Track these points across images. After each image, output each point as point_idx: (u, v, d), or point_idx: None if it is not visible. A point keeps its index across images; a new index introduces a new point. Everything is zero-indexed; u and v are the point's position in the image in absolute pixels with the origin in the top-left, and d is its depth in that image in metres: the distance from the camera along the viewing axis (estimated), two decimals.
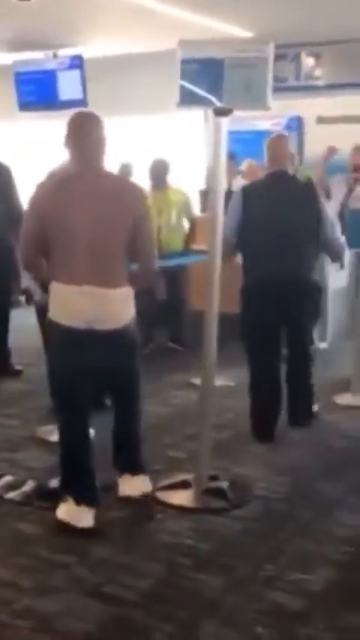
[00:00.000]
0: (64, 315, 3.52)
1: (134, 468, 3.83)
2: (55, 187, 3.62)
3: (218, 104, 3.61)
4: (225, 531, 3.61)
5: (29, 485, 3.97)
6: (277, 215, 4.57)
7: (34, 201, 3.59)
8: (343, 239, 4.92)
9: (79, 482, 3.59)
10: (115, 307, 3.52)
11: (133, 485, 3.80)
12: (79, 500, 3.53)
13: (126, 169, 7.88)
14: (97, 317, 3.46)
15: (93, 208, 3.47)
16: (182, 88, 3.65)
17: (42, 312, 5.16)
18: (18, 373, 6.18)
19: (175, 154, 7.57)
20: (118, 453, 3.86)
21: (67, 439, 3.69)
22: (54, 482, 3.91)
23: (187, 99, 3.66)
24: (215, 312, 3.85)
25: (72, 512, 3.53)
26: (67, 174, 3.71)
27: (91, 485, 3.61)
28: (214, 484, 3.93)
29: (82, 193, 3.50)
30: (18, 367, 6.25)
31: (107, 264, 3.49)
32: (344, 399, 5.59)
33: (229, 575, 3.21)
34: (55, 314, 3.56)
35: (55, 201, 3.51)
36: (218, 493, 3.88)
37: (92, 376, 3.62)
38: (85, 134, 3.57)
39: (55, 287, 3.54)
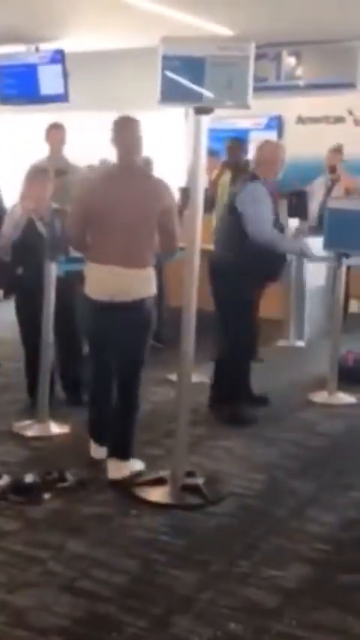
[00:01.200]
0: (94, 290, 4.05)
1: (112, 451, 4.09)
2: (97, 182, 4.22)
3: (206, 93, 3.60)
4: (200, 527, 3.63)
5: (4, 480, 3.96)
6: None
7: (81, 193, 4.19)
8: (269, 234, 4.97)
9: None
10: (135, 284, 3.98)
11: (109, 470, 4.07)
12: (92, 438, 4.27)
13: (105, 164, 7.84)
14: (118, 291, 3.95)
15: (127, 200, 3.96)
16: (164, 83, 3.64)
17: (22, 306, 5.18)
18: None
19: (155, 151, 7.57)
20: (109, 433, 4.19)
21: (92, 390, 4.32)
22: (29, 478, 3.91)
23: (169, 95, 3.66)
24: (193, 310, 3.86)
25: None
26: (107, 170, 4.40)
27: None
28: (190, 480, 3.95)
29: (119, 187, 4.01)
30: None
31: (135, 249, 3.97)
32: (320, 396, 5.63)
33: (203, 571, 3.22)
34: (88, 289, 4.08)
35: (96, 194, 4.05)
36: (194, 489, 3.89)
37: (113, 343, 4.08)
38: (124, 136, 4.06)
39: (91, 267, 4.07)
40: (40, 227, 5.02)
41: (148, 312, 4.04)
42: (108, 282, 3.99)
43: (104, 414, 4.20)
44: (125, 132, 4.07)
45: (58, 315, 4.85)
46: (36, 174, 5.39)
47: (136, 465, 4.14)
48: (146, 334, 4.10)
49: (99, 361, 4.24)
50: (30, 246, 5.00)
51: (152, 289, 4.05)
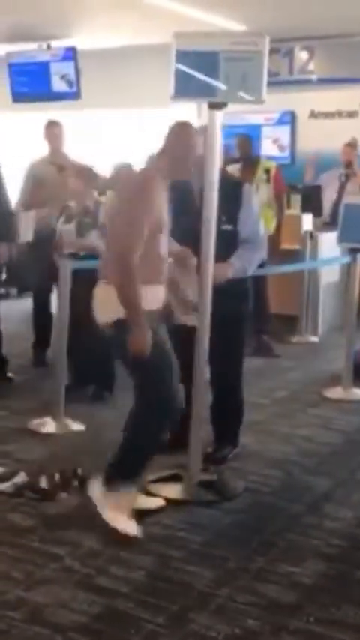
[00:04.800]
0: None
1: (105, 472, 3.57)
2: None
3: (221, 87, 3.58)
4: (216, 524, 3.62)
5: (20, 477, 3.97)
6: None
7: (151, 198, 3.45)
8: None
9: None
10: (97, 301, 3.52)
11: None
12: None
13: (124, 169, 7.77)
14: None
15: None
16: (177, 78, 3.62)
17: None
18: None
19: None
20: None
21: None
22: (44, 482, 3.91)
23: (182, 91, 3.65)
24: (208, 307, 3.84)
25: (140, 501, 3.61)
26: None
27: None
28: (205, 477, 3.95)
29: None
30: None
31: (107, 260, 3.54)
32: (335, 392, 5.61)
33: (220, 567, 3.22)
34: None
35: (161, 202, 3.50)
36: (210, 486, 3.89)
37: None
38: (172, 145, 3.56)
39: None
40: (55, 224, 5.12)
41: (116, 334, 3.43)
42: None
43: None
44: (174, 141, 3.58)
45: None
46: (79, 172, 5.46)
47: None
48: (124, 351, 3.42)
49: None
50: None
51: (114, 309, 3.38)
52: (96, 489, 3.52)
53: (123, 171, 6.81)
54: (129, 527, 3.41)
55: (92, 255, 4.64)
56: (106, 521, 3.43)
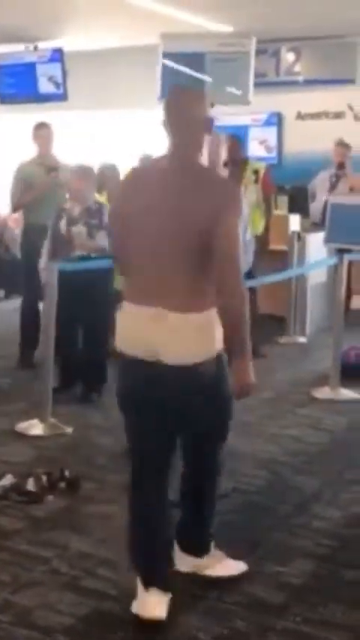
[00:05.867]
0: (126, 341, 2.84)
1: (195, 550, 3.12)
2: (133, 181, 2.95)
3: (208, 87, 3.59)
4: None
5: (8, 480, 3.96)
6: None
7: (117, 196, 3.09)
8: None
9: (144, 561, 2.94)
10: (185, 336, 2.73)
11: (191, 565, 3.12)
12: (146, 583, 2.88)
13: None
14: (161, 347, 2.73)
15: (162, 209, 2.74)
16: (164, 79, 3.63)
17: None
18: None
19: (154, 150, 7.57)
20: (183, 523, 3.11)
21: (132, 503, 2.99)
22: (30, 484, 3.89)
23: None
24: None
25: (139, 598, 2.88)
26: (150, 165, 3.06)
27: (159, 566, 2.93)
28: None
29: (157, 190, 2.80)
30: None
31: (175, 280, 2.73)
32: (323, 393, 5.62)
33: None
34: (118, 340, 2.89)
35: (131, 197, 2.88)
36: None
37: (165, 423, 2.86)
38: (174, 117, 2.84)
39: (123, 306, 2.88)
40: (63, 224, 5.23)
41: (209, 377, 2.80)
42: (142, 330, 2.77)
43: (155, 548, 2.94)
44: (173, 111, 2.84)
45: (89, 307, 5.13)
46: (78, 173, 5.48)
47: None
48: (214, 402, 2.87)
49: (141, 461, 2.93)
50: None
51: (213, 344, 2.78)
52: (202, 560, 3.10)
53: (108, 172, 6.82)
54: (239, 565, 3.17)
55: (102, 256, 4.77)
56: (226, 576, 3.11)
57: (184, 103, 2.84)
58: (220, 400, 2.90)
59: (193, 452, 3.03)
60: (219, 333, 2.77)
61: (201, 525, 3.12)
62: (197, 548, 3.12)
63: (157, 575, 2.88)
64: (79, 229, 5.21)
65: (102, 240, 5.11)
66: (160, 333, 2.71)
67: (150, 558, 2.91)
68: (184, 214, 2.70)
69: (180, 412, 2.86)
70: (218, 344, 2.80)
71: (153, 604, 2.82)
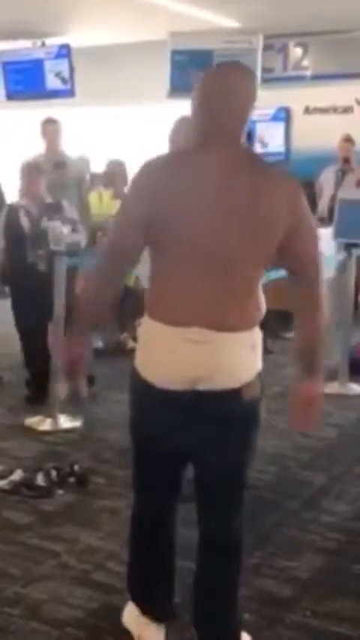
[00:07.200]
0: (156, 372, 2.36)
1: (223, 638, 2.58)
2: (176, 168, 2.35)
3: None
4: None
5: (17, 475, 3.98)
6: None
7: (139, 184, 2.36)
8: None
9: (143, 590, 2.69)
10: (236, 358, 2.34)
11: None
12: (144, 612, 2.66)
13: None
14: (205, 373, 2.31)
15: (223, 204, 2.27)
16: (173, 76, 3.64)
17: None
18: None
19: (161, 145, 7.57)
20: (197, 606, 2.60)
21: (137, 534, 2.70)
22: (40, 479, 3.91)
23: (178, 88, 3.66)
24: None
25: (138, 622, 2.68)
26: (191, 152, 2.44)
27: (160, 597, 2.66)
28: None
29: (211, 183, 2.28)
30: None
31: (235, 295, 2.32)
32: (331, 388, 5.61)
33: None
34: (143, 366, 2.40)
35: (172, 188, 2.29)
36: None
37: (180, 461, 2.52)
38: (224, 96, 2.33)
39: (150, 326, 2.37)
40: (25, 222, 5.13)
41: (255, 405, 2.42)
42: (186, 357, 2.30)
43: (159, 580, 2.66)
44: (221, 90, 2.34)
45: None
46: (30, 171, 5.45)
47: None
48: (255, 443, 2.51)
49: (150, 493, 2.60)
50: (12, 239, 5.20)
51: (259, 363, 2.42)
52: None
53: (115, 168, 6.82)
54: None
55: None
56: None
57: (238, 80, 2.37)
58: (255, 430, 2.47)
59: (215, 509, 2.53)
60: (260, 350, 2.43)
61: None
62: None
63: (162, 610, 2.63)
64: (54, 224, 5.07)
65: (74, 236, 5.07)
66: (205, 356, 2.28)
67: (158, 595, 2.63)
68: (261, 214, 2.27)
69: (214, 447, 2.39)
70: (260, 361, 2.42)
71: (153, 636, 2.62)
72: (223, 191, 2.26)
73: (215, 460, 2.42)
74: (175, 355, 2.30)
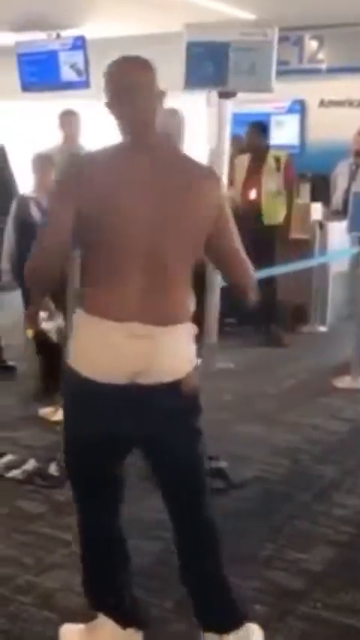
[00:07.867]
0: (97, 367, 2.34)
1: (222, 625, 2.53)
2: (107, 164, 2.35)
3: (231, 76, 3.59)
4: (224, 511, 3.63)
5: (30, 464, 4.00)
6: None
7: (68, 181, 2.36)
8: None
9: (103, 599, 2.65)
10: (174, 351, 2.36)
11: None
12: (118, 621, 2.60)
13: None
14: (146, 367, 2.32)
15: (154, 201, 2.29)
16: (188, 69, 3.66)
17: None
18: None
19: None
20: (191, 596, 2.61)
21: (85, 540, 2.68)
22: (53, 468, 3.93)
23: (193, 81, 3.67)
24: (217, 295, 3.86)
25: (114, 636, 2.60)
26: (118, 148, 2.41)
27: (120, 603, 2.62)
28: (213, 464, 3.96)
29: (140, 178, 2.30)
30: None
31: (170, 290, 2.35)
32: (344, 382, 5.62)
33: (227, 554, 3.22)
34: (81, 363, 2.37)
35: (107, 184, 2.29)
36: (218, 473, 3.91)
37: (125, 454, 2.54)
38: (129, 89, 2.39)
39: (85, 321, 2.36)
40: (35, 212, 5.16)
41: (195, 393, 2.44)
42: (125, 351, 2.30)
43: (116, 583, 2.64)
44: (124, 83, 2.41)
45: None
46: (42, 163, 5.47)
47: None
48: (201, 430, 2.50)
49: (94, 495, 2.63)
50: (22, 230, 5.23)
51: (193, 356, 2.44)
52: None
53: None
54: None
55: None
56: None
57: (134, 70, 2.46)
58: (198, 418, 2.48)
59: (180, 500, 2.58)
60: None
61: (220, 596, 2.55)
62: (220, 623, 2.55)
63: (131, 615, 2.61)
64: None
65: None
66: (148, 350, 2.30)
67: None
68: (187, 210, 2.32)
69: (163, 441, 2.43)
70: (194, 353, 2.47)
71: None
72: (149, 188, 2.28)
73: (165, 452, 2.46)
74: (117, 350, 2.30)
